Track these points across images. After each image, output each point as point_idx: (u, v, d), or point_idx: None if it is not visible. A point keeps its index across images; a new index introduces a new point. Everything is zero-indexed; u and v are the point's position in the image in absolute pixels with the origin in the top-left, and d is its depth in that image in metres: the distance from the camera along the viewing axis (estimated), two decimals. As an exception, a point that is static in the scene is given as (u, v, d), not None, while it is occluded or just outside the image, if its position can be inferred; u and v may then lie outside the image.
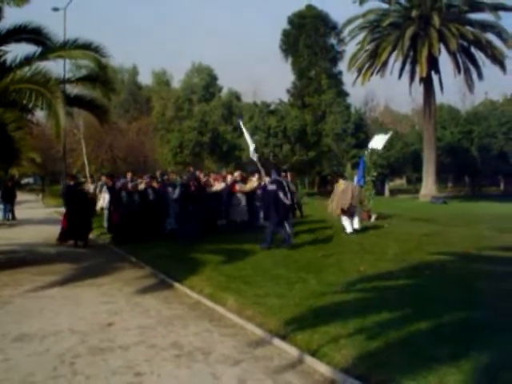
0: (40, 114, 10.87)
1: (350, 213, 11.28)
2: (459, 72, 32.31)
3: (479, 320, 4.71)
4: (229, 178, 13.16)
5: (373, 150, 14.85)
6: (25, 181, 53.29)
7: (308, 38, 43.89)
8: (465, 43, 31.68)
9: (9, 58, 9.56)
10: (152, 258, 9.09)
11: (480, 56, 31.76)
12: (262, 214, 12.79)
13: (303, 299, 5.63)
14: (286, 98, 46.56)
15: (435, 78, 32.84)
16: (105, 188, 12.76)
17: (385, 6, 33.98)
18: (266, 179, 12.76)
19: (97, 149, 34.66)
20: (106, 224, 12.87)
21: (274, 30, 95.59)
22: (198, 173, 13.85)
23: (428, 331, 4.40)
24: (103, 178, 14.55)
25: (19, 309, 5.98)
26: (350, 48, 52.32)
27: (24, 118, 9.96)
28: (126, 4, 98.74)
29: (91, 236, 12.25)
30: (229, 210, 12.59)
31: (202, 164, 42.79)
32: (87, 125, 29.94)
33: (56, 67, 21.17)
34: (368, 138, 36.43)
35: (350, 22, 33.70)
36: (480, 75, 32.56)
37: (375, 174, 16.31)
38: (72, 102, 10.74)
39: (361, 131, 41.62)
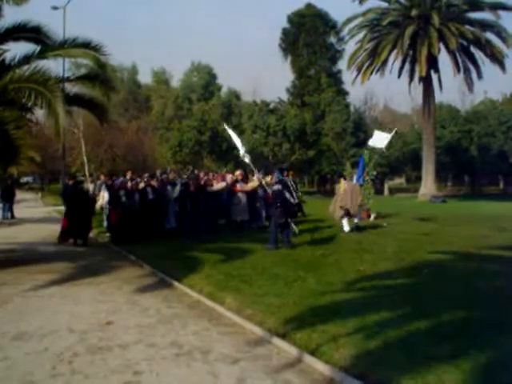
0: (39, 113, 10.89)
1: (352, 213, 11.33)
2: (459, 71, 32.28)
3: (478, 319, 4.71)
4: (229, 177, 13.15)
5: (375, 150, 14.72)
6: (24, 180, 53.23)
7: (307, 37, 43.91)
8: (464, 42, 31.63)
9: (8, 56, 9.55)
10: (151, 256, 9.09)
11: (479, 55, 31.74)
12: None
13: (302, 298, 5.63)
14: (285, 96, 46.68)
15: (435, 77, 32.84)
16: (104, 187, 12.75)
17: (385, 4, 33.94)
18: (268, 178, 12.82)
19: (96, 148, 34.60)
20: (105, 223, 12.87)
21: (273, 28, 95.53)
22: (197, 172, 13.85)
23: (427, 330, 4.41)
24: (102, 177, 14.53)
25: (18, 307, 5.97)
26: (350, 47, 52.39)
27: (23, 116, 9.94)
28: (126, 3, 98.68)
29: (90, 235, 12.24)
30: (229, 209, 12.58)
31: (201, 163, 42.84)
32: (86, 124, 29.90)
33: (55, 66, 21.17)
34: (367, 137, 36.51)
35: (349, 20, 33.62)
36: (479, 74, 32.53)
37: (375, 173, 16.31)
38: (71, 100, 10.74)
39: (360, 130, 41.64)
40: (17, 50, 9.62)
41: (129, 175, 12.72)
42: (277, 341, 4.49)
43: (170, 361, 4.13)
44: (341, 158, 39.03)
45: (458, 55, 31.99)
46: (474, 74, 32.76)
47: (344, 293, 5.86)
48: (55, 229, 12.26)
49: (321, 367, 3.86)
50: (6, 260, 9.49)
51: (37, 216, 19.61)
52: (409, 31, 30.13)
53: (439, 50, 30.72)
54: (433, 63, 31.45)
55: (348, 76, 51.57)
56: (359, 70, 33.44)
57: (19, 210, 20.33)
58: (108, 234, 12.31)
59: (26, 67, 9.24)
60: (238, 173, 13.05)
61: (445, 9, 31.99)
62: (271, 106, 43.56)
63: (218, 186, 12.61)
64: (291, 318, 4.90)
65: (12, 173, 21.32)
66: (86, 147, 32.03)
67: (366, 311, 4.92)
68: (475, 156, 44.31)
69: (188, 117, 47.84)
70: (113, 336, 4.77)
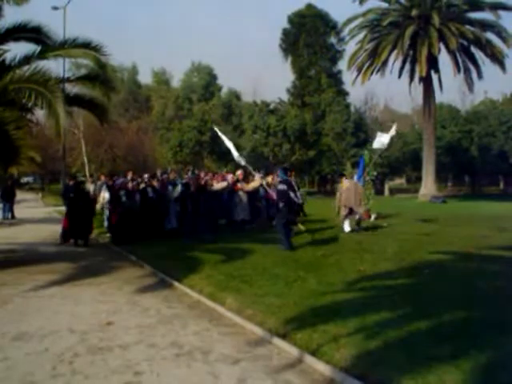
0: (40, 114, 10.88)
1: (354, 212, 11.35)
2: (459, 71, 32.28)
3: (478, 319, 4.71)
4: (230, 177, 13.16)
5: (374, 150, 14.72)
6: (24, 180, 53.25)
7: (308, 37, 43.93)
8: (464, 42, 31.63)
9: (8, 56, 9.55)
10: (152, 256, 9.09)
11: (480, 55, 31.76)
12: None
13: (303, 298, 5.63)
14: (285, 97, 46.68)
15: (435, 77, 32.84)
16: (104, 187, 12.74)
17: (385, 5, 33.97)
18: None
19: (96, 148, 34.66)
20: (105, 223, 12.87)
21: (274, 29, 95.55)
22: (197, 172, 13.86)
23: (427, 330, 4.40)
24: (102, 178, 14.52)
25: (18, 308, 5.97)
26: (350, 47, 52.61)
27: (23, 117, 9.94)
28: (126, 3, 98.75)
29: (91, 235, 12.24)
30: (230, 209, 12.59)
31: (201, 163, 42.85)
32: (87, 124, 29.97)
33: (56, 66, 21.19)
34: (368, 138, 36.54)
35: (349, 21, 33.65)
36: (480, 74, 32.54)
37: (375, 173, 16.31)
38: (72, 101, 10.73)
39: (360, 130, 41.64)
40: (17, 50, 9.64)
41: (130, 175, 12.72)
42: (277, 341, 4.48)
43: (171, 361, 4.12)
44: (341, 159, 39.04)
45: (458, 55, 32.00)
46: (474, 74, 32.83)
47: (345, 293, 5.85)
48: (56, 229, 12.26)
49: (321, 367, 3.85)
50: (6, 260, 9.49)
51: (37, 216, 19.62)
52: (409, 31, 30.14)
53: (439, 50, 30.73)
54: (433, 63, 31.45)
55: (348, 76, 51.48)
56: (359, 70, 33.46)
57: (19, 211, 20.34)
58: (108, 235, 12.31)
59: (26, 67, 9.24)
60: (238, 172, 13.06)
61: (445, 9, 32.00)
62: (271, 107, 43.56)
63: (220, 185, 12.62)
64: (292, 319, 4.90)
65: (12, 173, 21.31)
66: (87, 147, 32.09)
67: (367, 311, 4.91)
68: (475, 156, 44.31)
69: (188, 117, 47.89)
70: (113, 336, 4.77)
